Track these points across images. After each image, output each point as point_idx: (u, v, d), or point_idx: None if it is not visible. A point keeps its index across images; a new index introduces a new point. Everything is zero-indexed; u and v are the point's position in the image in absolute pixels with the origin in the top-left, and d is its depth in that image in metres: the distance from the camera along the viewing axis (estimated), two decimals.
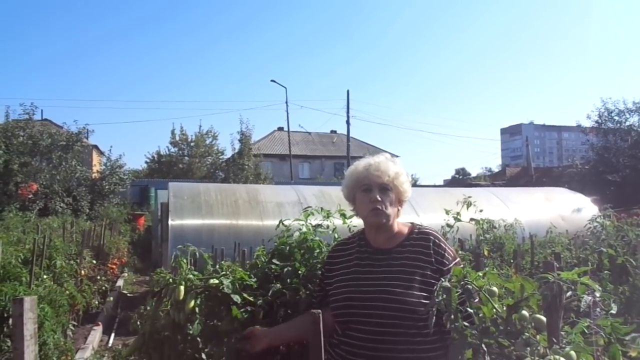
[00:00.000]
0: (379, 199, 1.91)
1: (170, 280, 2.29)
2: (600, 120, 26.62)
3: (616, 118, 26.14)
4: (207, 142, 35.39)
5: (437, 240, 1.93)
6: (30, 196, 16.33)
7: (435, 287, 1.59)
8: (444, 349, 1.79)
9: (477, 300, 1.47)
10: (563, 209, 11.04)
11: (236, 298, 2.13)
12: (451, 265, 1.86)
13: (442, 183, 47.20)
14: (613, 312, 1.50)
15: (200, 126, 36.47)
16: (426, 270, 1.84)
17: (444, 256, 1.89)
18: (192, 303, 2.16)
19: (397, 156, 2.12)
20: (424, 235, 1.95)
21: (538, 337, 1.40)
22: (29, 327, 1.41)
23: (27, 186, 16.66)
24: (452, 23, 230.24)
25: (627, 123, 25.95)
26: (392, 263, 1.89)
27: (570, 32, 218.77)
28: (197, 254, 2.91)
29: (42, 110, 25.78)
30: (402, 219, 2.05)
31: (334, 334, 1.95)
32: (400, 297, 1.79)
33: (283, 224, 2.60)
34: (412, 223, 2.05)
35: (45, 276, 5.43)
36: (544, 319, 1.41)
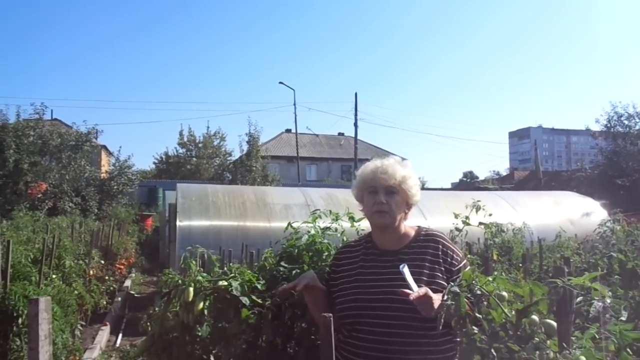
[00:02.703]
0: (384, 201, 1.92)
1: (180, 281, 2.30)
2: (609, 124, 26.41)
3: (626, 122, 25.93)
4: (215, 143, 35.52)
5: (445, 242, 1.96)
6: (39, 196, 16.46)
7: (444, 291, 1.59)
8: (451, 351, 1.79)
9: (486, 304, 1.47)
10: (572, 213, 10.98)
11: (245, 300, 2.14)
12: (460, 265, 1.89)
13: (449, 186, 47.03)
14: (623, 318, 1.49)
15: (208, 127, 36.55)
16: (435, 272, 1.86)
17: (453, 257, 1.91)
18: (201, 305, 2.18)
19: (405, 159, 2.10)
20: (432, 237, 1.97)
21: (548, 342, 1.40)
22: (44, 328, 1.42)
23: (37, 186, 16.79)
24: (460, 25, 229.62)
25: (637, 127, 25.74)
26: (399, 264, 1.90)
27: (579, 35, 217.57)
28: (205, 255, 2.93)
29: (52, 110, 25.83)
30: (410, 222, 2.06)
31: (339, 336, 1.95)
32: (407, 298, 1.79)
33: (292, 226, 2.60)
34: (418, 226, 2.06)
35: (54, 276, 5.46)
36: (554, 323, 1.41)
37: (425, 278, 1.83)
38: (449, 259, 1.89)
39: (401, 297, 1.80)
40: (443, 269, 1.86)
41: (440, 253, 1.90)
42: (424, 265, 1.87)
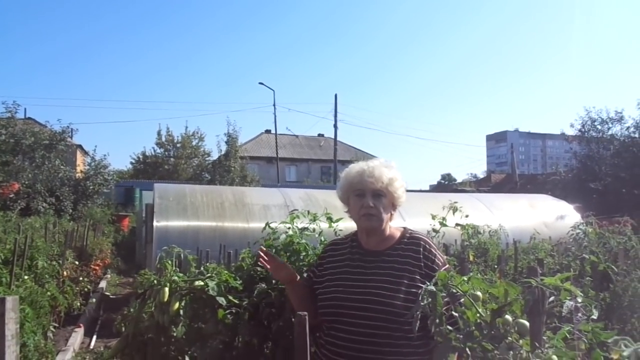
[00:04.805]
0: (372, 204, 1.91)
1: (155, 281, 2.27)
2: (583, 129, 26.96)
3: (599, 127, 26.50)
4: (194, 143, 35.21)
5: (427, 246, 1.94)
6: (11, 195, 16.06)
7: (420, 291, 1.60)
8: (428, 353, 1.80)
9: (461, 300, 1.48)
10: (546, 216, 11.17)
11: (221, 300, 2.12)
12: (441, 271, 1.86)
13: (428, 188, 47.38)
14: (594, 317, 1.52)
15: (187, 127, 36.16)
16: (415, 275, 1.85)
17: (434, 261, 1.89)
18: (177, 305, 2.15)
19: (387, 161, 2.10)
20: (415, 240, 1.96)
21: (521, 341, 1.42)
22: (11, 327, 1.39)
23: (9, 185, 16.39)
24: (439, 29, 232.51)
25: (610, 132, 26.33)
26: (382, 265, 1.90)
27: (555, 41, 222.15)
28: (182, 255, 2.90)
29: (25, 109, 25.40)
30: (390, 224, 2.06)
31: (320, 333, 1.95)
32: (387, 299, 1.80)
33: (269, 226, 2.60)
34: (404, 228, 2.06)
35: (26, 277, 5.34)
36: (527, 323, 1.43)
37: (406, 281, 1.84)
38: (429, 263, 1.88)
39: (381, 299, 1.81)
40: (423, 272, 1.85)
41: (421, 257, 1.89)
42: (406, 268, 1.87)
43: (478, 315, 1.46)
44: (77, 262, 8.25)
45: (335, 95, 32.06)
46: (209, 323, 2.15)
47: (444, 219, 4.59)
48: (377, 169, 1.96)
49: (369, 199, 1.92)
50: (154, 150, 35.33)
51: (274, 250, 2.42)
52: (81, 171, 21.69)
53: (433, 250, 1.94)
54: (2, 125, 17.32)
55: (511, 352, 1.38)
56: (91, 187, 18.97)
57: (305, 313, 1.26)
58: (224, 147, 25.43)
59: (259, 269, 2.34)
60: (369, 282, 1.86)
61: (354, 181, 1.98)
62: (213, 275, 2.27)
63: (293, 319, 2.06)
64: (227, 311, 2.14)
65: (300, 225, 2.61)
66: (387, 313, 1.78)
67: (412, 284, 1.82)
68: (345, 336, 1.84)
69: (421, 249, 1.92)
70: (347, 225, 2.29)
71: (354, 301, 1.84)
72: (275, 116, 32.60)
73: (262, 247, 2.20)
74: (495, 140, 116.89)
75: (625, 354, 1.09)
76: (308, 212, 2.78)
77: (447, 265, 1.96)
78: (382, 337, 1.78)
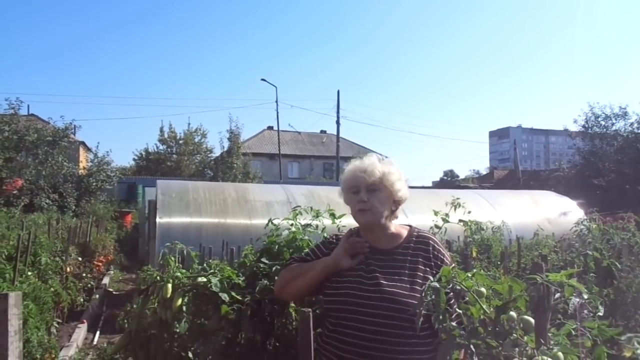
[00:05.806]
0: (365, 199, 1.93)
1: (158, 278, 2.27)
2: (587, 125, 26.84)
3: (603, 123, 26.38)
4: (196, 140, 35.28)
5: (436, 246, 1.97)
6: (15, 192, 16.13)
7: (423, 288, 1.60)
8: (435, 351, 1.80)
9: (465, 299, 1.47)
10: (550, 212, 11.14)
11: (224, 296, 2.12)
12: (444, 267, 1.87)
13: (430, 184, 47.37)
14: (600, 314, 1.51)
15: (189, 124, 36.20)
16: (427, 274, 1.86)
17: (444, 261, 1.92)
18: (180, 301, 2.15)
19: (385, 157, 2.09)
20: (424, 239, 1.98)
21: (526, 338, 1.41)
22: (14, 323, 1.39)
23: (12, 182, 16.45)
24: (442, 25, 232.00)
25: (614, 128, 26.20)
26: (393, 264, 1.90)
27: (558, 36, 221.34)
28: (184, 252, 2.90)
29: (28, 105, 25.61)
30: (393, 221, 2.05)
31: (324, 330, 1.94)
32: (402, 298, 1.80)
33: (272, 223, 2.59)
34: (410, 226, 2.06)
35: (29, 273, 5.36)
36: (532, 320, 1.42)
37: (419, 280, 1.84)
38: (439, 262, 1.90)
39: (397, 297, 1.80)
40: (434, 272, 1.85)
41: (431, 256, 1.92)
42: (419, 268, 1.88)
43: (482, 311, 1.45)
44: (80, 259, 8.29)
45: (338, 92, 32.04)
46: (211, 319, 2.15)
47: (446, 215, 4.59)
48: (370, 164, 1.97)
49: (363, 194, 1.94)
50: (157, 147, 35.50)
51: (277, 247, 2.41)
52: (84, 168, 21.76)
53: (441, 250, 1.97)
54: (5, 121, 17.39)
55: (516, 349, 1.37)
56: (94, 184, 19.06)
57: (310, 310, 1.25)
58: (226, 144, 25.45)
59: (261, 265, 2.33)
60: (382, 280, 1.85)
61: (348, 179, 2.01)
62: (216, 271, 2.27)
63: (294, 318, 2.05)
64: (230, 307, 2.14)
65: (303, 222, 2.61)
66: (402, 312, 1.77)
67: (426, 283, 1.82)
68: (354, 333, 1.82)
69: (430, 248, 1.94)
70: (350, 221, 2.28)
71: (367, 298, 1.83)
72: (277, 113, 32.51)
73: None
74: (498, 136, 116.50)
75: (639, 351, 1.07)
76: (311, 208, 2.78)
77: (454, 265, 1.98)
78: (394, 335, 1.77)
